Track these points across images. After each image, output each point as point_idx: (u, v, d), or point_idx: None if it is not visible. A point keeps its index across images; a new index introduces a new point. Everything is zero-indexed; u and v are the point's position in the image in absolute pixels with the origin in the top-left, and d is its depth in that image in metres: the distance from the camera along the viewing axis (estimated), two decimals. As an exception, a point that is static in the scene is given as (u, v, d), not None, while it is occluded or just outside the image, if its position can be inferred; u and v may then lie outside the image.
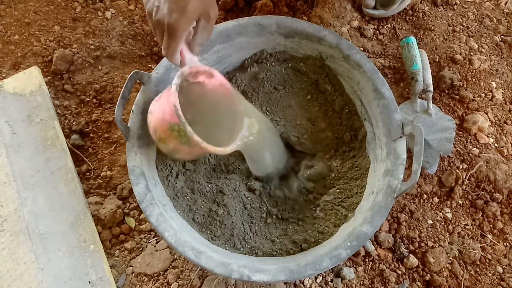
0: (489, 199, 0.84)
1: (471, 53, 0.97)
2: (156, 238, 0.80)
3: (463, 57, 0.97)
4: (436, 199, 0.84)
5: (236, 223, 0.72)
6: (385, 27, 1.02)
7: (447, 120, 0.87)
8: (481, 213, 0.84)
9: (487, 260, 0.81)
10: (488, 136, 0.89)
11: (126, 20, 0.98)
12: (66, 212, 0.77)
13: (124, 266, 0.78)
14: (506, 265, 0.80)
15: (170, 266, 0.78)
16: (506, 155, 0.88)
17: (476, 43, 0.99)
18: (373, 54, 0.99)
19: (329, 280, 0.77)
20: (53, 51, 0.93)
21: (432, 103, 0.89)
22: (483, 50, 0.98)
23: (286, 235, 0.73)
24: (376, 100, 0.71)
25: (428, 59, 0.94)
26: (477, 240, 0.82)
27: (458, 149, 0.88)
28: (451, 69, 0.95)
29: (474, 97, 0.93)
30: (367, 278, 0.78)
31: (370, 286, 0.78)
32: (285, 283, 0.76)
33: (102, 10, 0.99)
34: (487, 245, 0.82)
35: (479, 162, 0.86)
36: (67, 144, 0.84)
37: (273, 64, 0.82)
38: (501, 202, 0.84)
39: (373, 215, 0.63)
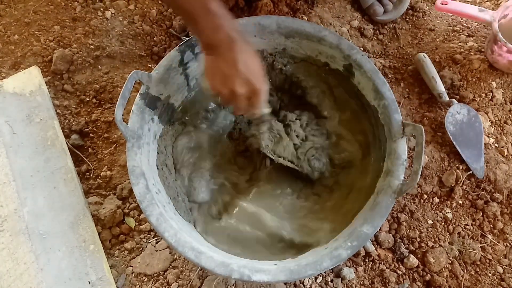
0: (489, 199, 0.84)
1: (471, 53, 0.97)
2: (156, 238, 0.79)
3: (463, 57, 0.96)
4: (436, 199, 0.84)
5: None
6: (385, 27, 1.02)
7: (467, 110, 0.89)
8: (481, 213, 0.84)
9: (487, 260, 0.81)
10: (488, 136, 0.89)
11: (126, 20, 0.98)
12: (65, 212, 0.77)
13: (124, 266, 0.77)
14: (506, 265, 0.80)
15: (170, 266, 0.78)
16: (506, 155, 0.88)
17: (476, 43, 0.99)
18: (373, 54, 0.99)
19: (329, 280, 0.77)
20: (53, 51, 0.93)
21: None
22: (483, 50, 0.98)
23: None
24: (377, 100, 0.71)
25: (429, 59, 0.94)
26: (477, 240, 0.82)
27: (458, 149, 0.88)
28: (451, 69, 0.95)
29: (474, 97, 0.93)
30: (367, 278, 0.78)
31: (370, 286, 0.78)
32: (285, 283, 0.76)
33: (102, 10, 0.99)
34: (487, 245, 0.82)
35: (479, 162, 0.86)
36: (67, 144, 0.84)
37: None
38: (501, 202, 0.84)
39: (373, 215, 0.63)
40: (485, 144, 0.88)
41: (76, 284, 0.72)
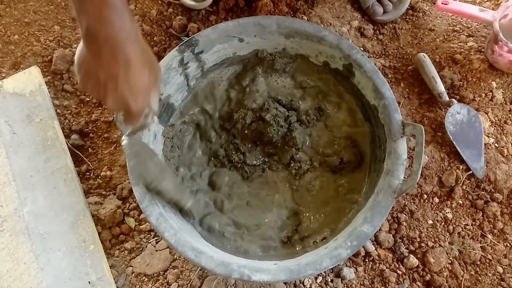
0: (489, 199, 0.84)
1: (471, 53, 0.97)
2: (156, 238, 0.79)
3: (463, 57, 0.96)
4: (436, 199, 0.84)
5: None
6: (385, 27, 1.02)
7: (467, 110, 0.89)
8: (481, 213, 0.84)
9: (487, 260, 0.81)
10: (488, 136, 0.89)
11: (126, 20, 0.98)
12: (65, 212, 0.77)
13: (124, 266, 0.77)
14: (506, 265, 0.80)
15: (170, 266, 0.78)
16: (506, 155, 0.88)
17: (476, 43, 0.99)
18: (373, 54, 0.99)
19: (329, 280, 0.77)
20: (53, 51, 0.93)
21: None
22: (483, 50, 0.98)
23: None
24: (377, 100, 0.71)
25: (429, 59, 0.94)
26: (477, 240, 0.82)
27: (458, 149, 0.88)
28: (451, 69, 0.95)
29: (474, 97, 0.93)
30: (367, 278, 0.78)
31: (370, 286, 0.78)
32: (285, 283, 0.76)
33: (102, 10, 0.98)
34: (487, 245, 0.82)
35: (479, 162, 0.86)
36: (67, 144, 0.84)
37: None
38: (501, 202, 0.84)
39: (373, 215, 0.63)
40: (485, 144, 0.88)
41: (76, 284, 0.72)
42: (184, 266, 0.77)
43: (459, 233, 0.82)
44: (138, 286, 0.76)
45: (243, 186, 0.77)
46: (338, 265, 0.74)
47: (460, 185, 0.85)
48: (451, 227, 0.83)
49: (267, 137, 0.77)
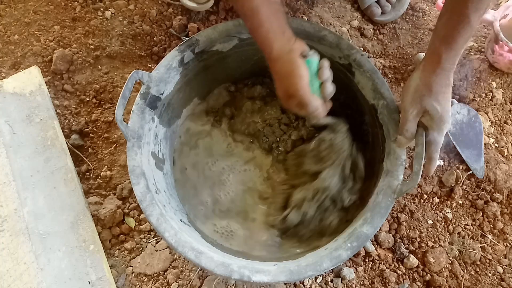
0: (489, 199, 0.84)
1: (471, 53, 0.97)
2: (156, 238, 0.79)
3: (463, 57, 0.96)
4: (436, 199, 0.84)
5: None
6: (385, 27, 1.02)
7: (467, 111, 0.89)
8: (481, 213, 0.84)
9: (487, 260, 0.81)
10: (488, 136, 0.89)
11: (126, 20, 0.98)
12: (65, 212, 0.77)
13: (124, 266, 0.77)
14: (506, 265, 0.80)
15: (170, 266, 0.78)
16: (506, 155, 0.88)
17: (476, 43, 0.99)
18: (373, 54, 0.99)
19: (329, 280, 0.77)
20: (53, 51, 0.93)
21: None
22: (483, 50, 0.98)
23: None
24: (376, 100, 0.71)
25: (428, 59, 0.94)
26: (477, 240, 0.82)
27: (458, 149, 0.88)
28: (451, 69, 0.95)
29: (474, 97, 0.93)
30: (367, 278, 0.78)
31: (370, 286, 0.78)
32: (285, 283, 0.76)
33: (102, 10, 0.98)
34: (487, 245, 0.82)
35: (479, 162, 0.86)
36: (67, 144, 0.84)
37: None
38: (501, 202, 0.84)
39: (373, 215, 0.63)
40: (485, 144, 0.88)
41: (76, 284, 0.72)
42: (184, 266, 0.77)
43: (459, 233, 0.82)
44: (138, 286, 0.76)
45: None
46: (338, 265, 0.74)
47: (460, 185, 0.85)
48: (451, 227, 0.83)
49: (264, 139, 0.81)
